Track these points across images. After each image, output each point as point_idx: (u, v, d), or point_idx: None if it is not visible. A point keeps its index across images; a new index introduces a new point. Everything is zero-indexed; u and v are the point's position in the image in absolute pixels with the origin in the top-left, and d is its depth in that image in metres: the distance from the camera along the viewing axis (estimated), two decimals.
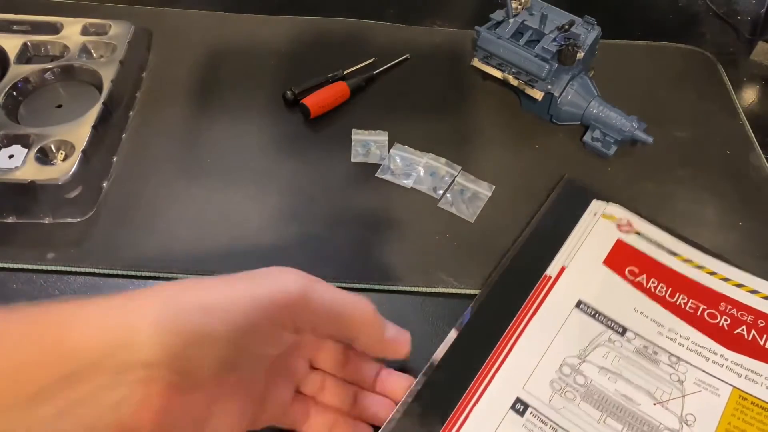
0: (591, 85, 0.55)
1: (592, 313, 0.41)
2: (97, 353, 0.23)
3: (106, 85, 0.53)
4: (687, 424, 0.37)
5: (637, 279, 0.43)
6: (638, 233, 0.46)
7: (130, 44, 0.57)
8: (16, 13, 0.58)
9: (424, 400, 0.36)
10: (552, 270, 0.44)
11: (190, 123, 0.55)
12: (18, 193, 0.46)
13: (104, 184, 0.50)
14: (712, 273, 0.44)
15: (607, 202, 0.48)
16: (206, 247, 0.47)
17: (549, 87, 0.54)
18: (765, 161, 0.56)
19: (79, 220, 0.48)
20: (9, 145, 0.48)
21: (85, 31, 0.58)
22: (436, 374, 0.38)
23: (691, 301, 0.42)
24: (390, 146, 0.54)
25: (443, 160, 0.53)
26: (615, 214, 0.47)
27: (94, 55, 0.57)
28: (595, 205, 0.48)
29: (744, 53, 0.69)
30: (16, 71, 0.54)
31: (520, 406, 0.37)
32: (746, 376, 0.39)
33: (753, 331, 0.41)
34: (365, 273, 0.46)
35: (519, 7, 0.55)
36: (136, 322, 0.24)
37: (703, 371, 0.39)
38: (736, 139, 0.58)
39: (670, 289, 0.43)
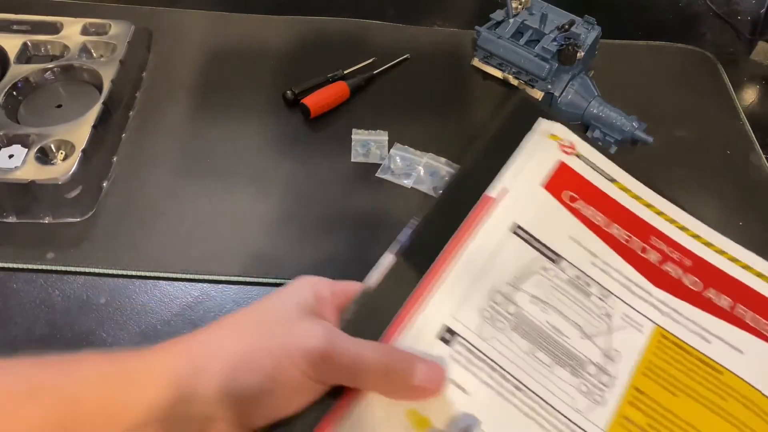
0: (591, 85, 0.55)
1: (528, 239, 0.40)
2: (162, 409, 0.27)
3: (106, 85, 0.53)
4: (611, 360, 0.36)
5: (574, 205, 0.41)
6: (579, 156, 0.44)
7: (130, 44, 0.57)
8: (16, 13, 0.58)
9: (353, 330, 0.34)
10: (493, 191, 0.41)
11: (190, 123, 0.55)
12: (18, 193, 0.46)
13: (104, 184, 0.50)
14: (648, 205, 0.43)
15: (554, 120, 0.45)
16: (206, 246, 0.47)
17: (549, 87, 0.54)
18: (765, 161, 0.56)
19: (79, 219, 0.48)
20: (9, 144, 0.48)
21: (85, 31, 0.58)
22: (368, 301, 0.36)
23: (625, 232, 0.41)
24: (390, 146, 0.54)
25: (443, 159, 0.53)
26: (559, 135, 0.44)
27: (94, 54, 0.57)
28: (542, 124, 0.45)
29: (744, 53, 0.69)
30: (16, 71, 0.54)
31: (447, 335, 0.35)
32: (669, 314, 0.38)
33: (679, 270, 0.40)
34: (365, 273, 0.46)
35: (519, 7, 0.55)
36: (195, 384, 0.28)
37: (630, 306, 0.38)
38: (736, 139, 0.58)
39: (606, 219, 0.41)
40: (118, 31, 0.58)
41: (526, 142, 0.44)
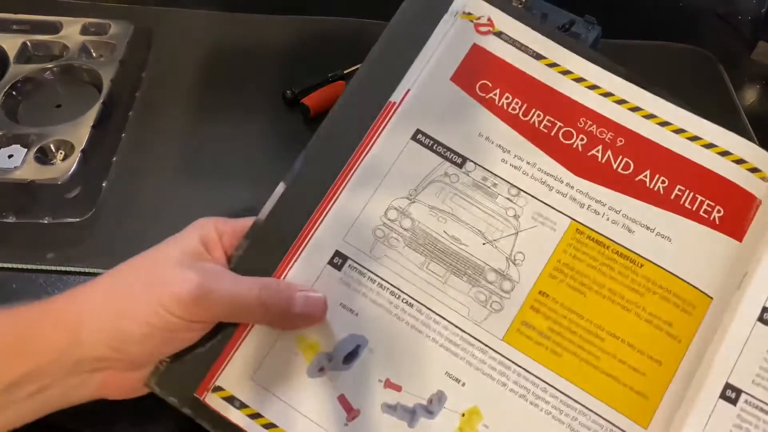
0: None
1: (430, 143, 0.36)
2: (56, 352, 0.29)
3: (106, 85, 0.53)
4: (514, 263, 0.34)
5: (488, 95, 0.36)
6: (498, 33, 0.37)
7: (129, 44, 0.57)
8: (15, 13, 0.58)
9: (244, 268, 0.34)
10: (397, 95, 0.36)
11: (190, 123, 0.55)
12: (17, 193, 0.46)
13: (104, 184, 0.50)
14: (579, 79, 0.37)
15: None
16: None
17: None
18: None
19: (78, 220, 0.48)
20: (8, 144, 0.48)
21: (84, 31, 0.58)
22: (259, 235, 0.35)
23: (546, 118, 0.36)
24: None
25: None
26: (474, 11, 0.37)
27: (94, 54, 0.57)
28: (458, 4, 0.38)
29: (745, 53, 0.69)
30: (16, 71, 0.54)
31: (338, 260, 0.34)
32: (589, 206, 0.35)
33: (608, 152, 0.35)
34: None
35: (519, 6, 0.55)
36: (84, 331, 0.30)
37: (544, 203, 0.35)
38: None
39: (525, 105, 0.36)
40: (118, 30, 0.58)
41: (439, 30, 0.38)
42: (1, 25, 0.57)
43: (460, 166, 0.35)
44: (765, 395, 0.32)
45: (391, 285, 0.34)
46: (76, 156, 0.48)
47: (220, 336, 0.33)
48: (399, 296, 0.34)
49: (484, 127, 0.36)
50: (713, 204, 0.35)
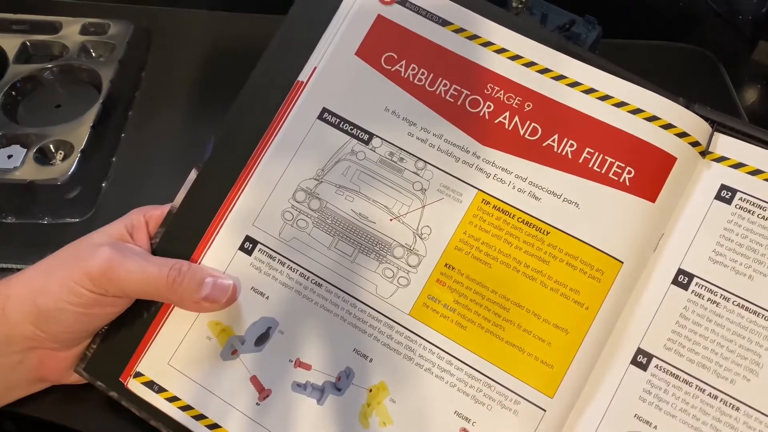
0: None
1: (337, 122, 0.36)
2: None
3: (105, 85, 0.53)
4: (421, 238, 0.34)
5: (394, 68, 0.36)
6: (403, 1, 0.37)
7: (129, 44, 0.57)
8: (15, 13, 0.58)
9: (162, 253, 0.35)
10: (305, 74, 0.37)
11: (189, 123, 0.55)
12: (17, 194, 0.46)
13: (103, 185, 0.50)
14: (487, 44, 0.36)
15: None
16: None
17: None
18: None
19: (78, 220, 0.48)
20: (8, 145, 0.48)
21: (84, 31, 0.58)
22: (173, 222, 0.36)
23: (453, 87, 0.35)
24: None
25: None
26: None
27: (93, 54, 0.57)
28: None
29: (745, 53, 0.69)
30: (15, 71, 0.54)
31: (248, 245, 0.35)
32: (495, 175, 0.34)
33: (516, 118, 0.35)
34: None
35: (520, 6, 0.55)
36: (9, 310, 0.32)
37: (450, 175, 0.35)
38: None
39: (431, 75, 0.36)
40: (118, 30, 0.58)
41: (345, 4, 0.37)
42: (0, 25, 0.57)
43: (367, 142, 0.36)
44: (676, 360, 0.32)
45: (300, 267, 0.34)
46: (76, 156, 0.48)
47: (140, 324, 0.34)
48: (308, 277, 0.34)
49: (390, 101, 0.36)
50: (623, 165, 0.34)
